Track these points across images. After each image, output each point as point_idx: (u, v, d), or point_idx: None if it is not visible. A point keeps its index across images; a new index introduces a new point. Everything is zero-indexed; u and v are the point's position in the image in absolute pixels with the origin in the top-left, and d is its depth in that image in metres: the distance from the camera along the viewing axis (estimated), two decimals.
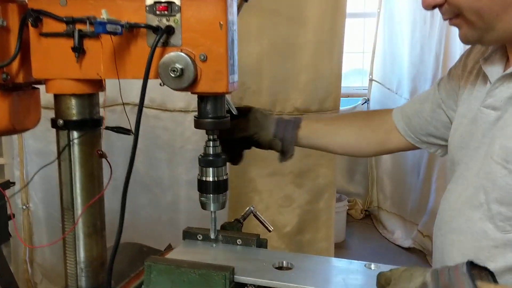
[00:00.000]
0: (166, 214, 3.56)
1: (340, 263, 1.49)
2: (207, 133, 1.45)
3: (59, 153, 1.44)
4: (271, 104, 3.57)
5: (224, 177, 1.49)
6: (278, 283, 1.34)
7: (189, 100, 3.15)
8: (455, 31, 1.20)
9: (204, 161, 1.47)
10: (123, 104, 1.52)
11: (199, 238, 1.65)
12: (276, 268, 1.45)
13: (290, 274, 1.41)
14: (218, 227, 1.63)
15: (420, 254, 5.27)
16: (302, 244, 3.66)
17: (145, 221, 3.57)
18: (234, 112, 1.66)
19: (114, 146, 2.99)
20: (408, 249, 5.41)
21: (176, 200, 3.58)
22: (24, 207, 3.67)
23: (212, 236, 1.57)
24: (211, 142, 1.45)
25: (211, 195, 1.48)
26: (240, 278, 1.36)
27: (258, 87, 3.52)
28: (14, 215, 2.96)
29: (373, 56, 5.82)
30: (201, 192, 1.50)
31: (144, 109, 1.16)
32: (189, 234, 1.66)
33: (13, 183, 3.18)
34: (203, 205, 1.51)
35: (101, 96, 1.40)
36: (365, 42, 6.28)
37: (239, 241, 1.61)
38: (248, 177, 3.58)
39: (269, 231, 1.83)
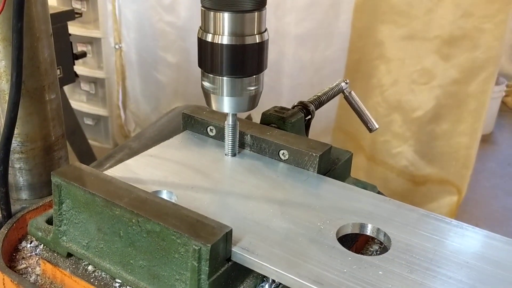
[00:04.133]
0: (266, 75, 2.88)
1: (508, 251, 0.60)
2: None
3: None
4: None
5: (259, 38, 0.70)
6: None
7: None
8: None
9: None
10: None
11: (211, 134, 0.83)
12: (341, 238, 0.61)
13: (373, 268, 0.57)
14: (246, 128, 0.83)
15: None
16: (434, 136, 2.82)
17: None
18: None
19: None
20: None
21: (280, 59, 2.88)
22: (117, 46, 3.33)
23: (228, 152, 0.79)
24: None
25: (223, 78, 0.70)
26: (246, 257, 0.56)
27: None
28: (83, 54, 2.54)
29: None
30: (203, 70, 0.72)
31: None
32: (192, 122, 0.85)
33: (79, 14, 2.73)
34: (206, 97, 0.73)
35: None
36: None
37: (283, 154, 0.76)
38: (375, 38, 2.72)
39: (370, 130, 0.99)
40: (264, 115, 0.86)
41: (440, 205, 2.94)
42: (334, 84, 1.00)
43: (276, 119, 0.84)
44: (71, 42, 2.35)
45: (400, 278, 0.55)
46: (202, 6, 0.71)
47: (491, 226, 3.12)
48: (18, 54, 0.70)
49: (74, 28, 2.79)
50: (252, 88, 0.73)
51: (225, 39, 0.69)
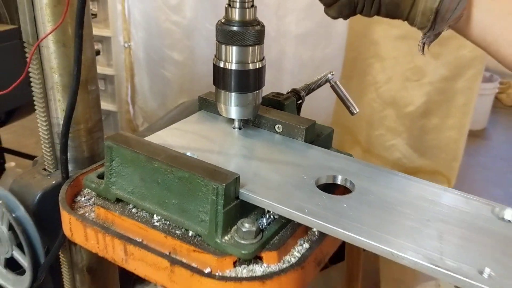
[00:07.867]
0: (268, 72, 3.00)
1: (443, 195, 0.81)
2: None
3: None
4: None
5: (258, 65, 0.93)
6: (310, 219, 0.73)
7: None
8: None
9: (224, 33, 0.89)
10: None
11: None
12: (320, 186, 0.83)
13: (340, 203, 0.78)
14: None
15: None
16: (425, 130, 2.96)
17: None
18: None
19: None
20: None
21: (281, 57, 3.02)
22: (126, 45, 3.44)
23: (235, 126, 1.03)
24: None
25: (231, 93, 0.94)
26: (250, 195, 0.78)
27: None
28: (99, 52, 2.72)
29: None
30: (216, 86, 0.96)
31: None
32: (207, 103, 1.09)
33: (94, 15, 2.90)
34: (219, 107, 0.99)
35: None
36: None
37: (278, 128, 1.00)
38: (370, 38, 2.85)
39: (352, 113, 1.20)
40: (264, 99, 1.09)
41: None
42: (322, 75, 1.21)
43: (273, 101, 1.07)
44: None
45: (361, 209, 0.76)
46: (216, 40, 0.93)
47: None
48: (79, 55, 0.92)
49: None
50: (254, 100, 0.97)
51: (233, 66, 0.92)
